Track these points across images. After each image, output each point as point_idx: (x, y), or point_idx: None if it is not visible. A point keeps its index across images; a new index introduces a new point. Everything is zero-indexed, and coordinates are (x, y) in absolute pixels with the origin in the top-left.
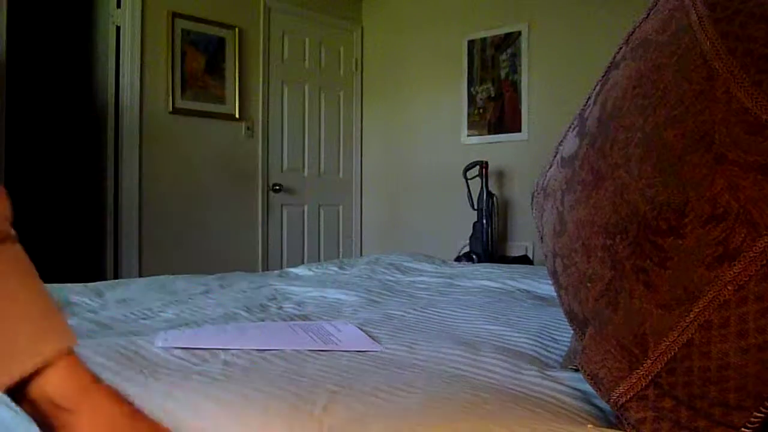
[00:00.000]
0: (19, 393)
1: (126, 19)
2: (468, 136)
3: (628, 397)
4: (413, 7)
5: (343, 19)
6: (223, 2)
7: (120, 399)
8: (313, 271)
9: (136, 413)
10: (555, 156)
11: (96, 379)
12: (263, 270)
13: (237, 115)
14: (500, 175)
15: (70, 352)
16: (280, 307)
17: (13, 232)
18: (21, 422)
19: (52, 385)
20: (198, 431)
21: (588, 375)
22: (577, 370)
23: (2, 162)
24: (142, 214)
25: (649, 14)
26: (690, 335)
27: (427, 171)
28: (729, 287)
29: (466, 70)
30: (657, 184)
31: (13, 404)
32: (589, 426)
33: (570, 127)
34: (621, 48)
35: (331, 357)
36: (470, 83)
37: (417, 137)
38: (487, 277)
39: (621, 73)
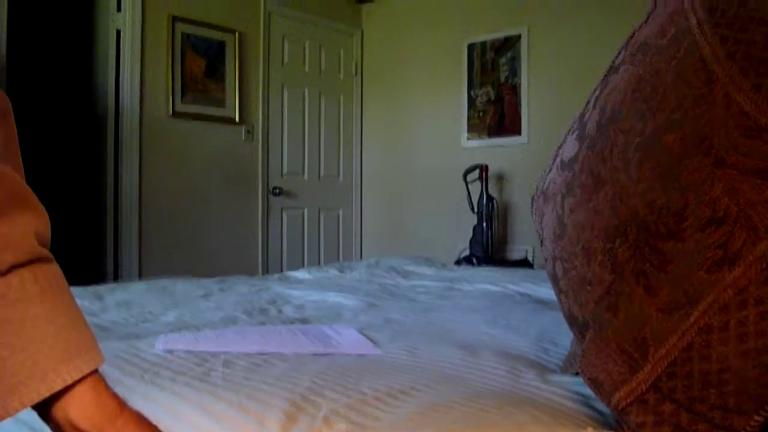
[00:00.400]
0: (44, 413)
1: (126, 22)
2: (468, 139)
3: (629, 401)
4: (413, 11)
5: (343, 23)
6: (223, 6)
7: (146, 426)
8: (313, 274)
9: None
10: (555, 159)
11: (122, 405)
12: (263, 273)
13: (237, 119)
14: (500, 178)
15: (97, 374)
16: (280, 311)
17: (47, 252)
18: (20, 428)
19: (76, 410)
20: None
21: (588, 379)
22: (577, 374)
23: None
24: (142, 218)
25: (648, 18)
26: (690, 339)
27: (427, 174)
28: (729, 291)
29: (466, 74)
30: (656, 187)
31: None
32: (589, 429)
33: (570, 130)
34: (620, 52)
35: (331, 361)
36: (470, 87)
37: (417, 141)
38: (488, 280)
39: (620, 77)
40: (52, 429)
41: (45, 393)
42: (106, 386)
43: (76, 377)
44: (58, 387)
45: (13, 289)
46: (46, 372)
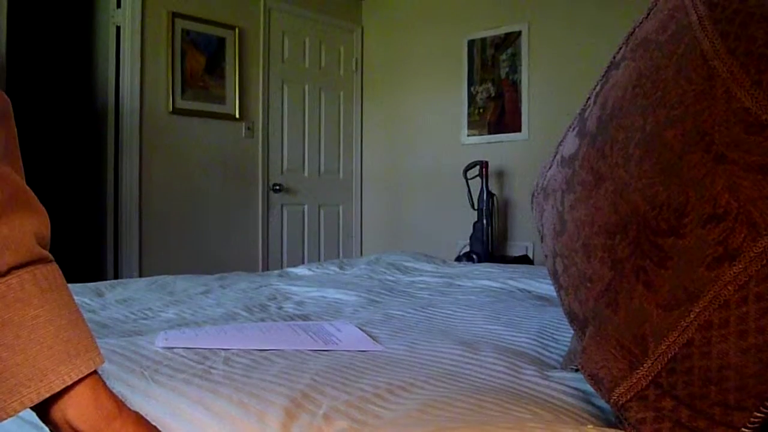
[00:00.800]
0: (43, 413)
1: (126, 19)
2: (468, 135)
3: (629, 397)
4: (413, 7)
5: (343, 19)
6: (223, 2)
7: (144, 426)
8: (313, 271)
9: None
10: (555, 156)
11: (120, 406)
12: (263, 270)
13: (237, 115)
14: (500, 174)
15: (96, 375)
16: (280, 307)
17: (46, 252)
18: (21, 426)
19: (74, 410)
20: None
21: (588, 375)
22: (577, 370)
23: None
24: (142, 214)
25: (649, 14)
26: (690, 335)
27: (427, 171)
28: (729, 287)
29: (466, 70)
30: (657, 184)
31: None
32: (589, 426)
33: (570, 127)
34: (621, 48)
35: (331, 357)
36: (470, 83)
37: (417, 137)
38: (488, 276)
39: (621, 73)
40: (50, 429)
41: (45, 394)
42: (105, 387)
43: (76, 378)
44: (57, 388)
45: (13, 290)
46: (45, 373)
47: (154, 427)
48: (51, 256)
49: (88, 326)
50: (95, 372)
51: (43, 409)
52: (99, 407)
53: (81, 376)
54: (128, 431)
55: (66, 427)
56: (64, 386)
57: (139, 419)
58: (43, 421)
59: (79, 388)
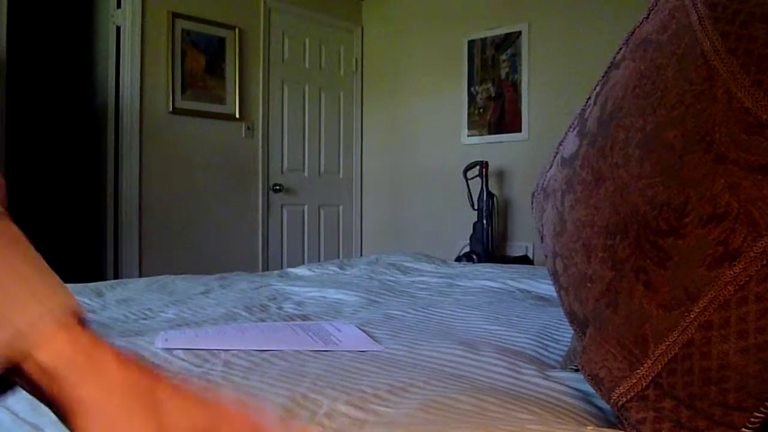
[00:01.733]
0: (11, 369)
1: (126, 19)
2: (468, 136)
3: (629, 397)
4: (413, 7)
5: (344, 19)
6: (223, 2)
7: (125, 355)
8: (313, 271)
9: (161, 382)
10: (555, 156)
11: (97, 339)
12: (263, 270)
13: (237, 115)
14: (500, 175)
15: (68, 315)
16: (280, 307)
17: (2, 209)
18: (21, 427)
19: (45, 353)
20: None
21: (588, 375)
22: (577, 370)
23: (2, 162)
24: (142, 214)
25: (649, 14)
26: (690, 335)
27: (427, 171)
28: (729, 287)
29: (467, 70)
30: (657, 184)
31: (12, 407)
32: (589, 426)
33: (570, 127)
34: (621, 48)
35: (331, 358)
36: (470, 83)
37: (417, 137)
38: (488, 277)
39: (621, 73)
40: (24, 388)
41: (12, 342)
42: (79, 325)
43: (48, 323)
44: (26, 333)
45: None
46: (10, 320)
47: (136, 355)
48: (9, 215)
49: (56, 276)
50: (69, 312)
51: (10, 364)
52: (73, 341)
53: (52, 317)
54: (108, 361)
55: (39, 374)
56: (32, 330)
57: (124, 353)
58: (15, 381)
59: (49, 328)
